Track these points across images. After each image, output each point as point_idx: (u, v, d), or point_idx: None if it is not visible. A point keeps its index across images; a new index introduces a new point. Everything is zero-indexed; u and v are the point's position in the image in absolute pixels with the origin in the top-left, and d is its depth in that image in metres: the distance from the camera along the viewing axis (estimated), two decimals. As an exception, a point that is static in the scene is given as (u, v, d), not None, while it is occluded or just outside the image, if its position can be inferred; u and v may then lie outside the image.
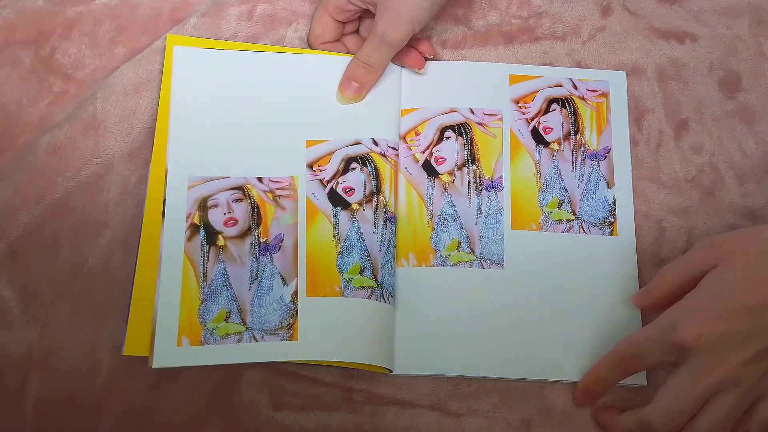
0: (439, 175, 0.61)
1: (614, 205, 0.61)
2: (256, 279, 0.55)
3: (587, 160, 0.62)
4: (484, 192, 0.61)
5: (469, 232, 0.60)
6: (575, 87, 0.63)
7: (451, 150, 0.62)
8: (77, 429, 0.55)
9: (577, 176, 0.61)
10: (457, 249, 0.59)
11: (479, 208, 0.60)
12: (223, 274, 0.55)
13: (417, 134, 0.62)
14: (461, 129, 0.62)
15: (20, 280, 0.56)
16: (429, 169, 0.61)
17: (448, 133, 0.62)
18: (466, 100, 0.63)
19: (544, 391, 0.58)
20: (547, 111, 0.63)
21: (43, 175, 0.58)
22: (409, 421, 0.57)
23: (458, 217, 0.60)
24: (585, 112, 0.63)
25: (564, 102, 0.63)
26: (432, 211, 0.60)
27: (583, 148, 0.62)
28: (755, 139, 0.63)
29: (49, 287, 0.56)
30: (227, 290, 0.55)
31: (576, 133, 0.62)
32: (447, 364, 0.57)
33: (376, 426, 0.56)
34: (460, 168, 0.61)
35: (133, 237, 0.57)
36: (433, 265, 0.59)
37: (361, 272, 0.56)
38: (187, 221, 0.56)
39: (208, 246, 0.55)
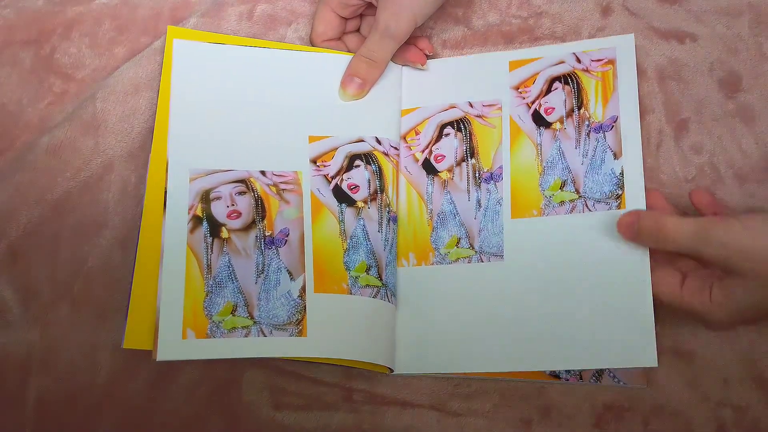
0: (439, 173, 0.61)
1: (622, 176, 0.58)
2: (262, 272, 0.55)
3: (592, 134, 0.60)
4: (483, 185, 0.60)
5: (468, 228, 0.59)
6: (579, 60, 0.62)
7: (450, 146, 0.61)
8: (77, 429, 0.55)
9: (581, 152, 0.60)
10: (456, 245, 0.59)
11: (478, 201, 0.60)
12: (228, 267, 0.55)
13: (417, 133, 0.62)
14: (460, 124, 0.62)
15: (20, 280, 0.56)
16: (429, 168, 0.61)
17: (447, 129, 0.62)
18: (465, 94, 0.62)
19: (544, 391, 0.58)
20: (548, 91, 0.61)
21: (43, 175, 0.58)
22: (409, 421, 0.57)
23: (457, 214, 0.60)
24: (589, 84, 0.61)
25: (566, 78, 0.62)
26: (431, 210, 0.60)
27: (587, 122, 0.60)
28: (755, 139, 0.63)
29: (49, 287, 0.56)
30: (233, 283, 0.54)
31: (579, 108, 0.61)
32: (448, 363, 0.56)
33: (376, 426, 0.56)
34: (459, 163, 0.61)
35: (133, 237, 0.57)
36: (432, 264, 0.59)
37: (367, 271, 0.56)
38: (189, 213, 0.55)
39: (211, 238, 0.55)
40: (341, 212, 0.57)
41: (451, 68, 0.64)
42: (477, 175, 0.61)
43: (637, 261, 0.56)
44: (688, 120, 0.63)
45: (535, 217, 0.59)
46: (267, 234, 0.56)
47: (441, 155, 0.61)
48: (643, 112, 0.63)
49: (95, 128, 0.60)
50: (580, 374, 0.57)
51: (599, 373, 0.57)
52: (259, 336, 0.53)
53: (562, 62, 0.62)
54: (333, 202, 0.58)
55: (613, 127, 0.59)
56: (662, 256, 0.56)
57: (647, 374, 0.57)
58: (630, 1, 0.66)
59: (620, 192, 0.58)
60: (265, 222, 0.56)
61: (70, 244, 0.57)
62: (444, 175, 0.61)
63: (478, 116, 0.62)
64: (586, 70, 0.61)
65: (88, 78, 0.62)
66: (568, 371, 0.57)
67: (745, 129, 0.63)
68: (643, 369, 0.57)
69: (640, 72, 0.64)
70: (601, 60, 0.61)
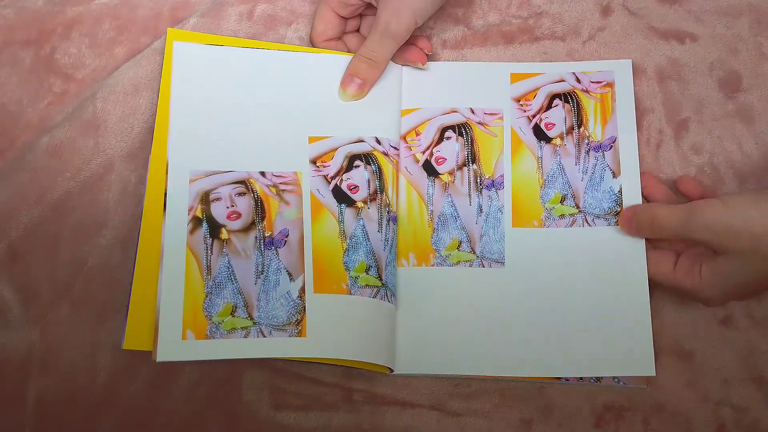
0: (440, 175, 0.61)
1: (620, 194, 0.60)
2: (261, 273, 0.55)
3: (591, 152, 0.61)
4: (484, 191, 0.61)
5: (469, 232, 0.60)
6: (578, 81, 0.63)
7: (452, 150, 0.62)
8: (77, 429, 0.55)
9: (581, 169, 0.61)
10: (458, 248, 0.59)
11: (480, 207, 0.60)
12: (228, 268, 0.55)
13: (417, 134, 0.62)
14: (462, 129, 0.62)
15: (20, 280, 0.56)
16: (429, 169, 0.61)
17: (449, 133, 0.62)
18: (466, 99, 0.63)
19: (544, 391, 0.58)
20: (549, 107, 0.62)
21: (43, 175, 0.58)
22: (409, 421, 0.57)
23: (458, 217, 0.60)
24: (588, 104, 0.62)
25: (566, 96, 0.63)
26: (432, 211, 0.60)
27: (587, 141, 0.61)
28: (755, 139, 0.63)
29: (49, 287, 0.56)
30: (232, 284, 0.54)
31: (579, 127, 0.62)
32: (448, 363, 0.57)
33: (376, 426, 0.56)
34: (460, 168, 0.61)
35: (133, 237, 0.57)
36: (433, 265, 0.59)
37: (367, 271, 0.56)
38: (189, 214, 0.55)
39: (211, 239, 0.55)
40: (341, 212, 0.57)
41: (453, 72, 0.64)
42: (478, 180, 0.61)
43: (636, 272, 0.58)
44: (688, 120, 0.63)
45: (536, 228, 0.60)
46: (266, 235, 0.56)
47: (442, 158, 0.61)
48: (643, 112, 0.63)
49: (95, 128, 0.60)
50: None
51: (599, 374, 0.57)
52: (258, 337, 0.53)
53: (562, 80, 0.63)
54: (333, 202, 0.58)
55: (611, 147, 0.61)
56: (661, 241, 0.59)
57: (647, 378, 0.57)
58: (630, 1, 0.66)
59: (619, 209, 0.59)
60: (265, 223, 0.56)
61: (70, 244, 0.57)
62: (445, 178, 0.61)
63: (480, 123, 0.62)
64: (586, 91, 0.63)
65: (88, 78, 0.62)
66: (568, 371, 0.57)
67: (745, 129, 0.63)
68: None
69: (640, 71, 0.64)
70: (600, 82, 0.63)
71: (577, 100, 0.63)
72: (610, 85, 0.63)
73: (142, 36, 0.63)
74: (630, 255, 0.58)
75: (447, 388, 0.58)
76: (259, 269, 0.55)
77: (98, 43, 0.63)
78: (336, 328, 0.54)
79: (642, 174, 0.60)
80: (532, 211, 0.60)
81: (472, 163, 0.61)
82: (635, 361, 0.56)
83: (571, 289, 0.58)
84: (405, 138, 0.62)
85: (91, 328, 0.56)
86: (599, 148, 0.61)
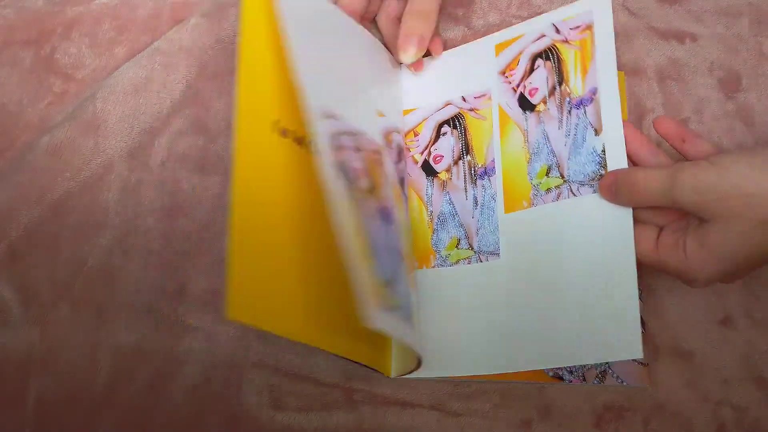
0: (438, 174, 0.61)
1: (604, 154, 0.56)
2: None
3: (573, 111, 0.58)
4: (478, 181, 0.60)
5: (466, 227, 0.59)
6: (558, 31, 0.60)
7: (448, 146, 0.61)
8: (77, 429, 0.55)
9: (564, 132, 0.58)
10: (456, 247, 0.59)
11: (475, 199, 0.60)
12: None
13: (416, 135, 0.62)
14: (455, 121, 0.62)
15: (20, 280, 0.56)
16: (428, 169, 0.61)
17: (444, 128, 0.62)
18: (458, 88, 0.62)
19: (544, 391, 0.58)
20: (531, 71, 0.60)
21: (43, 175, 0.58)
22: (409, 421, 0.57)
23: (456, 214, 0.60)
24: (568, 55, 0.59)
25: (547, 54, 0.60)
26: (432, 211, 0.60)
27: (568, 99, 0.58)
28: (755, 139, 0.63)
29: (49, 287, 0.56)
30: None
31: (561, 84, 0.59)
32: (448, 367, 0.56)
33: (376, 426, 0.56)
34: (456, 162, 0.61)
35: (133, 237, 0.57)
36: (433, 267, 0.59)
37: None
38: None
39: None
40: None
41: (444, 64, 0.63)
42: (472, 171, 0.60)
43: (622, 243, 0.54)
44: (688, 120, 0.63)
45: (525, 209, 0.57)
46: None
47: (439, 155, 0.61)
48: (644, 112, 0.63)
49: (95, 128, 0.60)
50: (583, 376, 0.57)
51: (602, 375, 0.57)
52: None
53: (543, 36, 0.60)
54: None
55: (593, 100, 0.57)
56: (641, 213, 0.54)
57: (650, 374, 0.57)
58: (630, 1, 0.66)
59: (603, 172, 0.55)
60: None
61: (70, 244, 0.57)
62: (443, 176, 0.61)
63: (471, 110, 0.62)
64: (566, 41, 0.59)
65: (88, 78, 0.62)
66: (570, 373, 0.57)
67: (745, 129, 0.63)
68: (646, 369, 0.57)
69: (640, 71, 0.64)
70: (579, 26, 0.59)
71: (557, 54, 0.60)
72: (590, 27, 0.59)
73: (142, 36, 0.63)
74: (616, 224, 0.54)
75: (447, 388, 0.58)
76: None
77: (98, 43, 0.63)
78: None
79: (624, 124, 0.56)
80: (521, 191, 0.58)
81: (466, 155, 0.61)
82: (621, 344, 0.51)
83: (559, 272, 0.55)
84: (404, 139, 0.62)
85: (91, 328, 0.56)
86: (580, 103, 0.57)
